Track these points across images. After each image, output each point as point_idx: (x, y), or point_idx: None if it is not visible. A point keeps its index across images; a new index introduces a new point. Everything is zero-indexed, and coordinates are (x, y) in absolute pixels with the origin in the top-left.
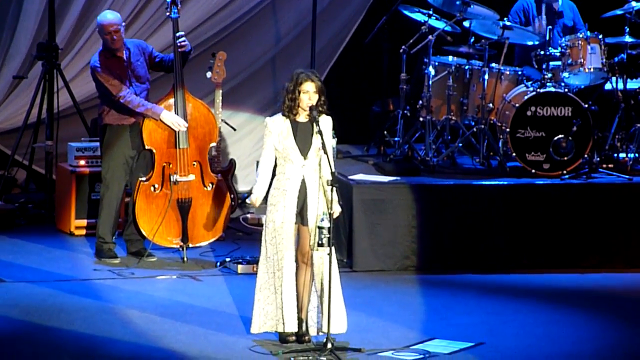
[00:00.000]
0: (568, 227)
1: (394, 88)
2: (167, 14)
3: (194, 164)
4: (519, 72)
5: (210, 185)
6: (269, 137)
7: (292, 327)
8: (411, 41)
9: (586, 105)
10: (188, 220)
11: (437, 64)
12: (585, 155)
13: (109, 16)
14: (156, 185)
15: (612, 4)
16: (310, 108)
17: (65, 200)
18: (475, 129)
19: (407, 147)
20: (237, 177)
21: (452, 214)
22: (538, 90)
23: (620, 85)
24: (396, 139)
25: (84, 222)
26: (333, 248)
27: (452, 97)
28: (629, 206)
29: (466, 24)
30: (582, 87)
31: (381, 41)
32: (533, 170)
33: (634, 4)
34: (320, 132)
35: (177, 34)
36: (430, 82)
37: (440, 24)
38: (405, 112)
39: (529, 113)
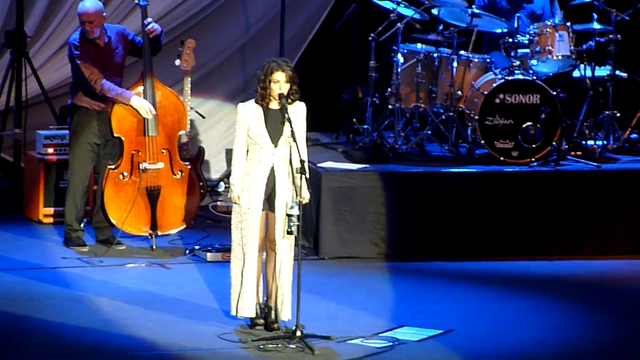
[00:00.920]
0: (536, 214)
1: (362, 76)
2: (136, 1)
3: (162, 152)
4: (488, 60)
5: (180, 173)
6: (241, 124)
7: (250, 312)
8: (380, 29)
9: (554, 93)
10: (157, 208)
11: (405, 51)
12: (554, 143)
13: (86, 4)
14: (125, 173)
15: None
16: (280, 96)
17: (33, 188)
18: (444, 117)
19: (376, 134)
20: (207, 164)
21: (421, 202)
22: (506, 77)
23: (589, 73)
24: (365, 126)
25: (52, 210)
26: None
27: (421, 85)
28: (597, 193)
29: (435, 11)
30: (551, 74)
31: (350, 29)
32: (501, 158)
33: None
34: (289, 120)
35: (146, 20)
36: (399, 70)
37: (408, 12)
38: (374, 99)
39: (497, 100)
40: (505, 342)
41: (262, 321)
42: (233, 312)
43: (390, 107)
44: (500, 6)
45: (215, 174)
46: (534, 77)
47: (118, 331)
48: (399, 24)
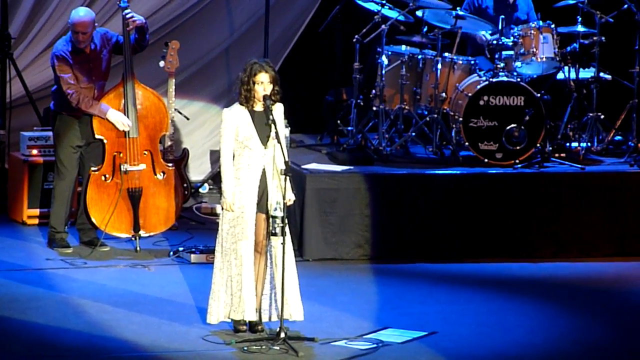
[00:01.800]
0: (520, 216)
1: (347, 77)
2: (118, 2)
3: (144, 153)
4: (472, 62)
5: (162, 174)
6: (228, 129)
7: (251, 315)
8: (364, 30)
9: (538, 95)
10: (140, 209)
11: (390, 53)
12: (538, 145)
13: (80, 14)
14: (107, 175)
15: None
16: (264, 97)
17: (17, 190)
18: (428, 119)
19: (361, 136)
20: (191, 166)
21: (405, 203)
22: (491, 79)
23: (573, 75)
24: (349, 128)
25: (36, 212)
26: (287, 237)
27: (405, 87)
28: (581, 195)
29: (419, 13)
30: (535, 76)
31: (334, 30)
32: (486, 160)
33: None
34: (273, 121)
35: (124, 13)
36: (384, 72)
37: (393, 14)
38: (359, 101)
39: (481, 102)
40: (489, 343)
41: (261, 327)
42: (210, 319)
43: (374, 108)
44: (486, 13)
45: (199, 175)
46: (518, 79)
47: (102, 333)
48: (383, 26)
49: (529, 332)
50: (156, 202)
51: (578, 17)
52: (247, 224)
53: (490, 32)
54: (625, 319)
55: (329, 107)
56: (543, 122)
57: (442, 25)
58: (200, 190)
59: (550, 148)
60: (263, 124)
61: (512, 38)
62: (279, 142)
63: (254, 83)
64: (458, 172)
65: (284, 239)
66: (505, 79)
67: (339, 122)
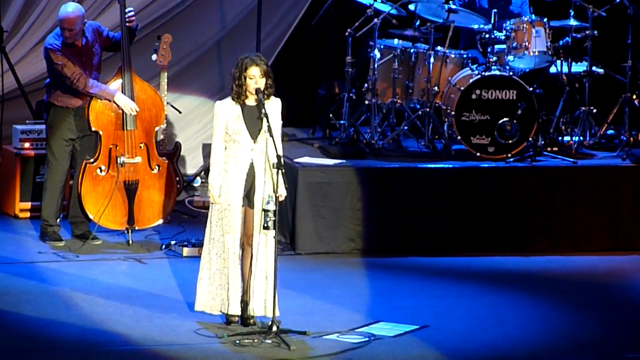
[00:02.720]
0: (513, 210)
1: (339, 71)
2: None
3: (140, 146)
4: (464, 56)
5: (157, 167)
6: (219, 122)
7: (235, 309)
8: (357, 24)
9: (531, 89)
10: (134, 202)
11: (382, 47)
12: (530, 139)
13: (68, 10)
14: (102, 167)
15: None
16: (257, 91)
17: (9, 183)
18: (420, 112)
19: (353, 130)
20: (183, 160)
21: (397, 197)
22: (483, 73)
23: (565, 69)
24: (342, 122)
25: (28, 205)
26: (275, 231)
27: (398, 80)
28: (574, 189)
29: (412, 7)
30: (527, 70)
31: (327, 24)
32: (478, 154)
33: None
34: (266, 115)
35: (127, 9)
36: (376, 65)
37: (385, 7)
38: (351, 95)
39: (474, 96)
40: (481, 337)
41: (253, 320)
42: (198, 307)
43: (366, 102)
44: (479, 6)
45: (191, 169)
46: (511, 73)
47: (93, 326)
48: (375, 20)
49: (521, 326)
50: (150, 195)
51: (570, 10)
52: (234, 217)
53: (483, 25)
54: (617, 313)
55: (322, 101)
56: (535, 116)
57: (435, 19)
58: (193, 183)
59: (543, 142)
60: (254, 118)
61: (504, 32)
62: (271, 136)
63: (245, 77)
64: (450, 165)
65: (275, 233)
66: (497, 73)
67: (331, 115)
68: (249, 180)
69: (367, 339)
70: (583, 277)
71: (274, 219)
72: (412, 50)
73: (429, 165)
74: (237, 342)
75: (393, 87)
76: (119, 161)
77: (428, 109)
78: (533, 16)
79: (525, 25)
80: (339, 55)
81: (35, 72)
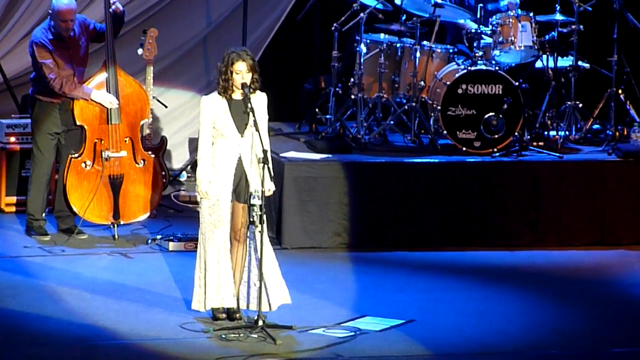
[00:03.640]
0: (499, 204)
1: (325, 65)
2: None
3: (125, 140)
4: (450, 50)
5: (142, 161)
6: (206, 117)
7: (229, 302)
8: (343, 19)
9: (517, 83)
10: (120, 196)
11: (368, 41)
12: (516, 133)
13: (65, 1)
14: (87, 162)
15: None
16: (243, 85)
17: None
18: (406, 107)
19: (339, 124)
20: (169, 154)
21: (383, 192)
22: (469, 68)
23: (551, 63)
24: (328, 116)
25: (14, 199)
26: (265, 225)
27: (384, 75)
28: (560, 184)
29: (398, 1)
30: (513, 65)
31: (313, 19)
32: (464, 148)
33: None
34: (252, 110)
35: (112, 1)
36: (362, 60)
37: (371, 2)
38: (337, 89)
39: (460, 91)
40: (467, 332)
41: (239, 314)
42: (194, 306)
43: (352, 97)
44: (467, 3)
45: (177, 163)
46: (497, 68)
47: (79, 320)
48: (361, 14)
49: (507, 321)
50: (136, 189)
51: (557, 5)
52: (223, 211)
53: (469, 20)
54: (603, 307)
55: (308, 95)
56: (521, 111)
57: (421, 14)
58: (179, 178)
59: (529, 136)
60: (241, 113)
61: (490, 27)
62: (257, 130)
63: (231, 72)
64: (436, 160)
65: (262, 227)
66: (483, 67)
67: (317, 110)
68: (237, 174)
69: (353, 333)
70: (569, 271)
71: (260, 213)
72: (398, 45)
73: (415, 160)
74: (223, 336)
75: (379, 81)
76: (104, 155)
77: (414, 104)
78: (519, 11)
79: (511, 20)
80: (325, 49)
81: (21, 66)
